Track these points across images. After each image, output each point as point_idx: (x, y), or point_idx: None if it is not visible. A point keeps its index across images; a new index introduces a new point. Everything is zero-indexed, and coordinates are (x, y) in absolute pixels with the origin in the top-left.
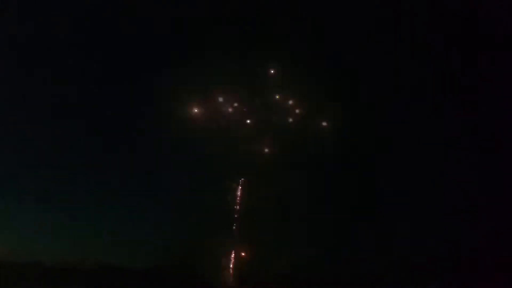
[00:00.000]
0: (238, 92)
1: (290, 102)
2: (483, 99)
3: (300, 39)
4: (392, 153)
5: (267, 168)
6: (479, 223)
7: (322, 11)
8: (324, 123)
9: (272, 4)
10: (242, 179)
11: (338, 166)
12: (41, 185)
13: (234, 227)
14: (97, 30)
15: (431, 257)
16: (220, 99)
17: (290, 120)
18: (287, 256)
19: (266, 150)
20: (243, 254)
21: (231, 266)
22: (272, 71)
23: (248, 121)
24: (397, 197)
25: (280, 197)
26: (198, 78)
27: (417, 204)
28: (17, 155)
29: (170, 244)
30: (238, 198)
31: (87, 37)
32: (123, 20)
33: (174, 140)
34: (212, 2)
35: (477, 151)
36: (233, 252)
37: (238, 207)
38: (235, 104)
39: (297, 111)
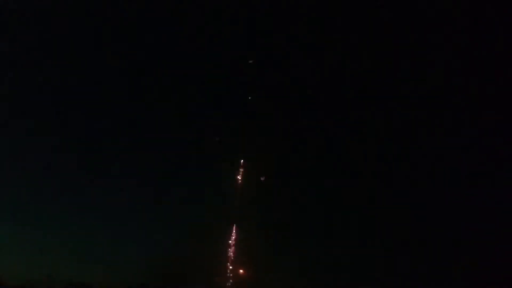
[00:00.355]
0: None
1: None
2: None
3: None
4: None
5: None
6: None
7: None
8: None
9: None
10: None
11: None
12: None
13: (230, 242)
14: None
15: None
16: None
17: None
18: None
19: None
20: (241, 271)
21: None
22: None
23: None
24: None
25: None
26: None
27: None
28: None
29: (156, 260)
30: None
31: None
32: None
33: (154, 154)
34: None
35: None
36: (229, 268)
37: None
38: None
39: None
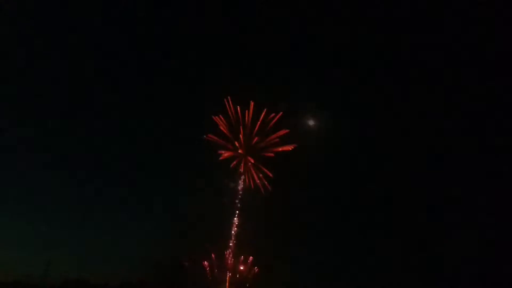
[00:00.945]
0: None
1: None
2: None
3: None
4: None
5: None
6: None
7: None
8: None
9: None
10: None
11: None
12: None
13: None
14: None
15: None
16: None
17: None
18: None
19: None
20: (241, 268)
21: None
22: None
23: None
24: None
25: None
26: None
27: None
28: None
29: (153, 255)
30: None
31: None
32: None
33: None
34: None
35: None
36: (228, 266)
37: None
38: None
39: None
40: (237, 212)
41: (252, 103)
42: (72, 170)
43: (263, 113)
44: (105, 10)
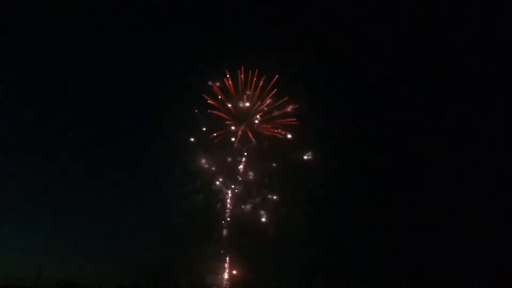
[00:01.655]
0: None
1: None
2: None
3: None
4: None
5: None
6: None
7: None
8: None
9: None
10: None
11: None
12: None
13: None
14: None
15: None
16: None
17: None
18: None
19: None
20: (234, 272)
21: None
22: None
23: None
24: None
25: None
26: None
27: None
28: None
29: (149, 259)
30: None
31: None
32: None
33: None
34: None
35: None
36: (225, 269)
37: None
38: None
39: None
40: (229, 217)
41: (242, 68)
42: (67, 171)
43: (262, 80)
44: None
